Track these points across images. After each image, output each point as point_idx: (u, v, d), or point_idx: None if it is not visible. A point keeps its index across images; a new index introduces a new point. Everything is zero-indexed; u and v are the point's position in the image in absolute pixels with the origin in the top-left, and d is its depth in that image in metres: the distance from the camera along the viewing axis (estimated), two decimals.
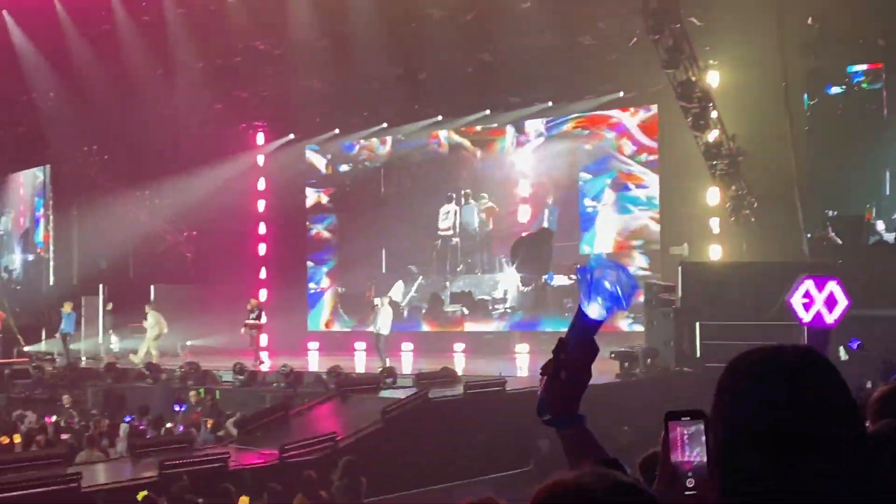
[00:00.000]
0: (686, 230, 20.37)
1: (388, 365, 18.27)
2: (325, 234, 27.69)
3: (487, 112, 24.09)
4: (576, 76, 22.09)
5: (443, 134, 25.60)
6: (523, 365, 20.91)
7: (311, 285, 27.62)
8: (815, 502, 1.66)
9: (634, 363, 17.00)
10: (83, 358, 23.90)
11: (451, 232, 25.48)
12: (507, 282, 24.47)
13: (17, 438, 15.42)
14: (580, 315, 2.15)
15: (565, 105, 23.20)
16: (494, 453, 13.67)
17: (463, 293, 25.36)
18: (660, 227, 22.12)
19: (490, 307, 24.87)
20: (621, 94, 22.12)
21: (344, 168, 27.50)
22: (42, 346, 24.88)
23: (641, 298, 18.17)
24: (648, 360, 17.15)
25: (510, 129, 24.72)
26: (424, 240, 25.80)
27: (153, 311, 23.17)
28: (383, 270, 26.24)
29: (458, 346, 23.60)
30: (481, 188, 25.12)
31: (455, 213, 25.34)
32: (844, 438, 1.68)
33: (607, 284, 2.15)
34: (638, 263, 22.37)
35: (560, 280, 23.62)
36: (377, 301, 20.91)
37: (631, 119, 22.75)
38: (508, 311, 24.51)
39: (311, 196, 27.84)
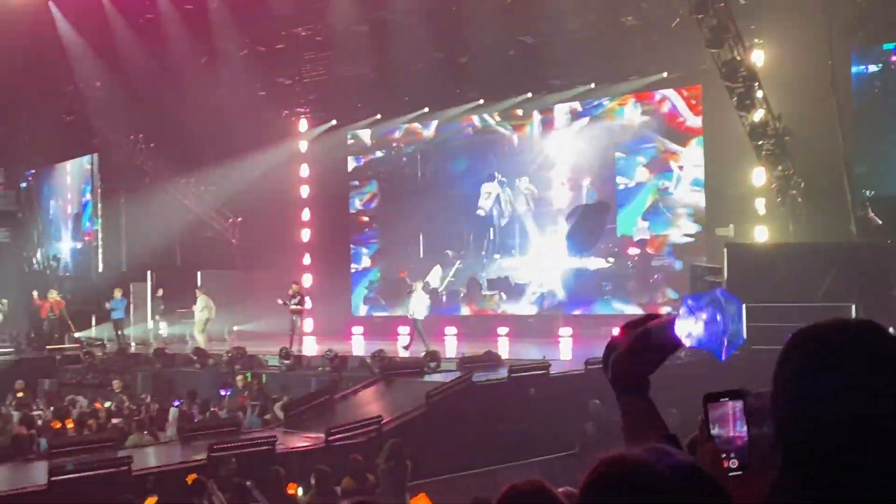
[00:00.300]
0: (731, 211, 20.15)
1: (430, 348, 18.29)
2: (366, 219, 27.78)
3: (529, 95, 23.96)
4: (619, 57, 21.86)
5: (479, 118, 25.52)
6: (567, 348, 20.85)
7: (353, 266, 27.78)
8: (837, 498, 1.60)
9: (679, 346, 16.85)
10: (132, 343, 24.28)
11: (492, 212, 25.41)
12: (545, 265, 24.36)
13: (70, 423, 15.73)
14: (670, 325, 2.00)
15: (608, 87, 23.00)
16: (539, 437, 13.66)
17: (500, 278, 25.31)
18: (705, 207, 21.90)
19: (527, 291, 24.80)
20: (665, 74, 21.89)
21: (382, 153, 27.57)
22: (92, 332, 25.31)
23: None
24: None
25: (536, 115, 24.61)
26: (462, 224, 25.80)
27: (203, 294, 23.51)
28: (421, 255, 26.34)
29: (502, 330, 23.57)
30: (519, 171, 25.02)
31: (497, 195, 25.28)
32: (887, 429, 1.60)
33: (718, 321, 1.93)
34: (685, 230, 22.18)
35: (598, 263, 23.46)
36: (414, 285, 21.01)
37: (675, 100, 22.49)
38: (546, 294, 24.42)
39: (352, 164, 28.01)
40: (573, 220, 23.46)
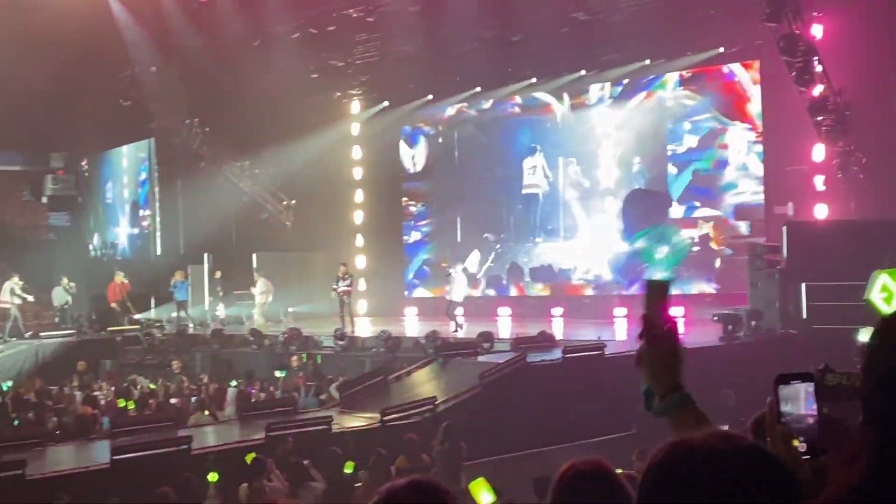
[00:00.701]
0: (791, 189, 19.79)
1: (460, 331, 18.78)
2: (419, 197, 27.74)
3: (583, 73, 23.70)
4: (673, 33, 21.53)
5: (522, 97, 25.24)
6: (622, 329, 20.67)
7: (405, 238, 27.83)
8: (885, 496, 1.55)
9: (738, 326, 16.67)
10: (190, 325, 24.66)
11: (537, 190, 25.21)
12: (591, 248, 24.10)
13: (131, 405, 16.03)
14: (647, 284, 2.09)
15: (663, 63, 22.66)
16: (594, 418, 13.60)
17: (543, 267, 25.10)
18: (763, 185, 21.51)
19: (572, 277, 24.59)
20: (721, 49, 21.49)
21: (429, 131, 27.46)
22: (152, 314, 25.74)
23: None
24: (753, 323, 16.78)
25: (584, 92, 24.34)
26: (502, 206, 25.70)
27: (262, 277, 23.77)
28: (458, 239, 26.36)
29: (556, 311, 23.42)
30: (564, 150, 24.75)
31: (542, 166, 25.06)
32: None
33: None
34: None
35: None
36: (451, 270, 21.27)
37: (731, 75, 22.08)
38: (592, 280, 24.21)
39: (406, 153, 28.00)
40: (628, 202, 23.16)
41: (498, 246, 25.86)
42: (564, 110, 24.67)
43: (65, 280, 25.35)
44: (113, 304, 25.35)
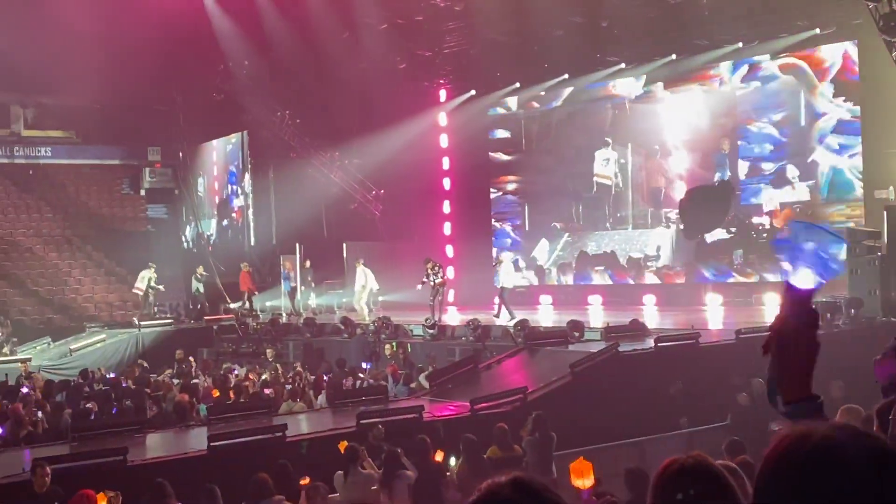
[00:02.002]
0: (891, 172, 19.11)
1: (515, 318, 18.64)
2: (509, 187, 27.67)
3: (673, 57, 23.21)
4: (767, 15, 20.96)
5: (606, 83, 24.83)
6: (716, 317, 20.23)
7: (495, 221, 27.83)
8: None
9: (837, 314, 16.16)
10: (283, 314, 25.10)
11: (609, 180, 24.88)
12: (660, 238, 23.66)
13: (231, 392, 16.38)
14: (788, 288, 1.96)
15: (756, 46, 22.04)
16: (688, 408, 13.38)
17: (605, 254, 24.81)
18: (862, 169, 20.77)
19: (642, 265, 24.21)
20: (818, 30, 20.81)
21: (520, 113, 27.32)
22: (246, 304, 26.28)
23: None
24: (852, 311, 16.27)
25: (646, 83, 23.90)
26: (571, 195, 25.48)
27: (363, 267, 24.04)
28: (527, 227, 26.39)
29: (648, 299, 23.06)
30: (640, 138, 24.30)
31: (615, 160, 24.70)
32: None
33: (809, 248, 1.91)
34: (840, 196, 21.04)
35: (719, 234, 22.46)
36: (501, 256, 21.27)
37: (828, 57, 21.33)
38: (662, 268, 23.79)
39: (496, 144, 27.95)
40: (692, 200, 22.22)
41: (567, 235, 25.66)
42: (644, 98, 24.23)
43: (199, 269, 26.15)
44: (243, 291, 26.17)
